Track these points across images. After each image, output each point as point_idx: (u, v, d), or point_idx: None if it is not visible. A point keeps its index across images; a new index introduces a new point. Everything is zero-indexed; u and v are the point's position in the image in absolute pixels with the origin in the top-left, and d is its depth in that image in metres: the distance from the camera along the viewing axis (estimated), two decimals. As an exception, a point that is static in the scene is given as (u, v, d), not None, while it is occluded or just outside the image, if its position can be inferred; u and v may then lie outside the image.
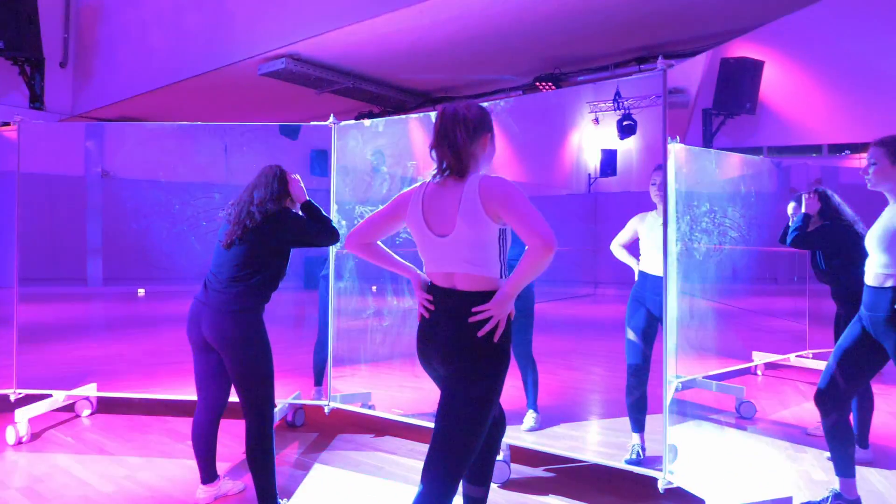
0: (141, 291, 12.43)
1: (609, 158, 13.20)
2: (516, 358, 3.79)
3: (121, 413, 4.38)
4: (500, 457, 3.16)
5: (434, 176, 1.98)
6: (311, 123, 4.13)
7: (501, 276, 1.92)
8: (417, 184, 2.05)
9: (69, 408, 4.33)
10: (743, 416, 4.21)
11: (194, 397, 4.34)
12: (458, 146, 1.91)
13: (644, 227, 3.45)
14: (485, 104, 3.39)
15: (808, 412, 4.41)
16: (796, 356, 5.61)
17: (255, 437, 2.63)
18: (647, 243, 3.40)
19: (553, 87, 6.19)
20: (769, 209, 6.32)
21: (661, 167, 3.32)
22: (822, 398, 2.67)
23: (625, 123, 12.38)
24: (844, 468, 2.67)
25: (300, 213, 2.76)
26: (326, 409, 4.02)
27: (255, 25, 5.85)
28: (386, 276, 6.61)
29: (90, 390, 4.32)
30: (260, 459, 2.63)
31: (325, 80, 6.69)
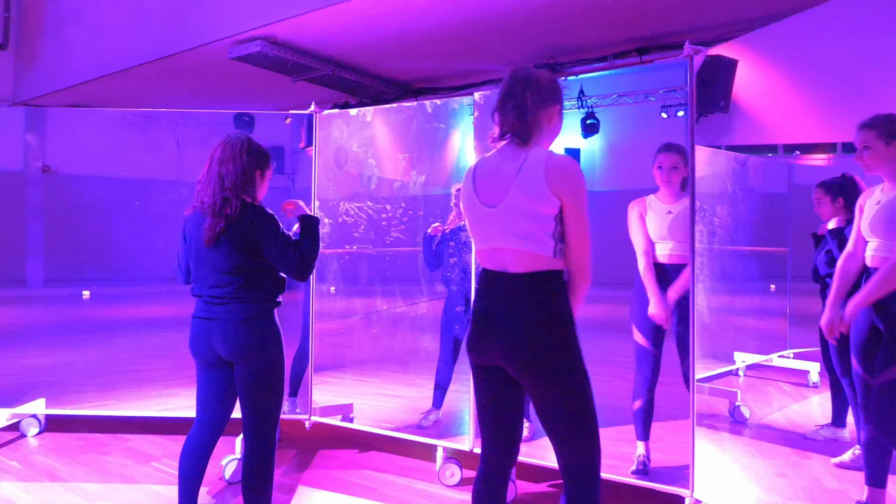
0: (86, 293, 11.74)
1: (572, 158, 13.14)
2: None
3: (73, 431, 3.96)
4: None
5: (492, 139, 1.85)
6: (291, 112, 3.80)
7: (555, 256, 1.74)
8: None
9: (13, 427, 3.88)
10: (737, 421, 4.10)
11: (156, 413, 4.01)
12: (524, 108, 1.78)
13: (651, 211, 3.16)
14: (471, 98, 3.18)
15: (798, 414, 4.34)
16: (778, 356, 5.56)
17: (255, 461, 2.30)
18: (656, 230, 3.12)
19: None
20: (747, 209, 6.29)
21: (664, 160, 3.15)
22: (868, 407, 2.53)
23: (588, 122, 12.33)
24: (878, 478, 2.54)
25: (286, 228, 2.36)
26: (307, 424, 3.71)
27: (229, 3, 5.39)
28: (362, 278, 6.32)
29: (37, 407, 3.89)
30: (258, 487, 2.30)
31: (302, 67, 6.23)
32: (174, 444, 3.70)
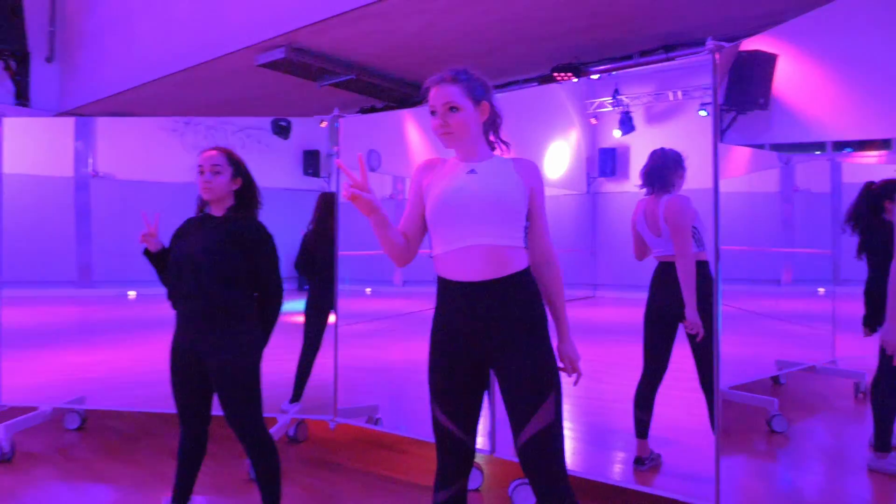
0: (132, 294, 12.09)
1: (608, 158, 12.97)
2: None
3: (110, 426, 4.13)
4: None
5: None
6: (314, 117, 3.89)
7: None
8: None
9: (57, 421, 4.06)
10: (775, 431, 3.94)
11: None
12: None
13: None
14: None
15: (841, 429, 4.19)
16: (823, 364, 5.32)
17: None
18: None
19: (572, 78, 5.93)
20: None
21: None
22: None
23: (624, 122, 12.15)
24: None
25: None
26: (332, 424, 3.77)
27: (253, 12, 5.55)
28: (385, 278, 6.31)
29: (79, 402, 4.06)
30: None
31: (327, 72, 6.38)
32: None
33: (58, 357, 5.80)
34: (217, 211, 2.54)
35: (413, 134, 4.21)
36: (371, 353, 5.36)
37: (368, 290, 5.02)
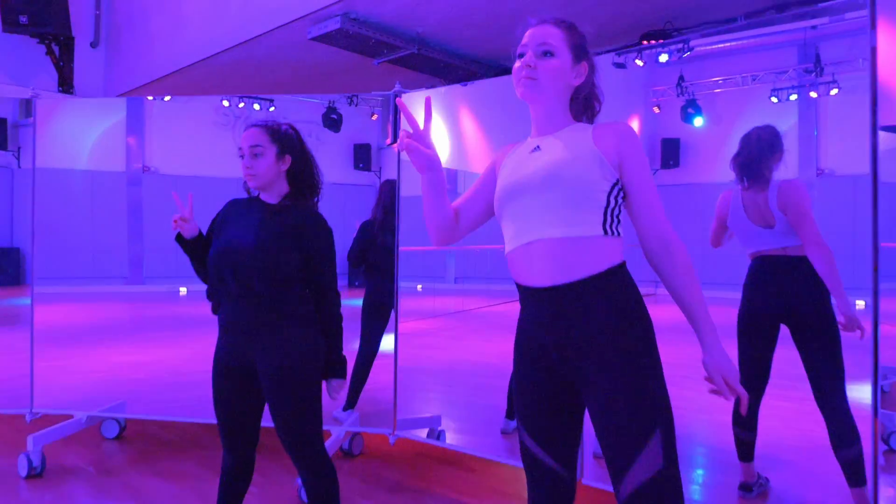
0: (183, 290, 12.08)
1: (671, 148, 12.31)
2: None
3: (152, 434, 3.81)
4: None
5: None
6: (372, 93, 3.48)
7: None
8: None
9: (95, 428, 3.77)
10: (893, 449, 3.41)
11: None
12: None
13: None
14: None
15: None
16: (936, 371, 4.70)
17: None
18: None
19: (660, 48, 5.27)
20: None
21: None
22: None
23: (689, 110, 11.50)
24: None
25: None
26: (391, 439, 3.36)
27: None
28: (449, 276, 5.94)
29: (118, 409, 3.75)
30: None
31: (386, 46, 5.85)
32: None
33: (103, 356, 5.56)
34: (270, 198, 2.14)
35: (467, 122, 3.82)
36: (428, 353, 5.00)
37: (420, 286, 4.81)
